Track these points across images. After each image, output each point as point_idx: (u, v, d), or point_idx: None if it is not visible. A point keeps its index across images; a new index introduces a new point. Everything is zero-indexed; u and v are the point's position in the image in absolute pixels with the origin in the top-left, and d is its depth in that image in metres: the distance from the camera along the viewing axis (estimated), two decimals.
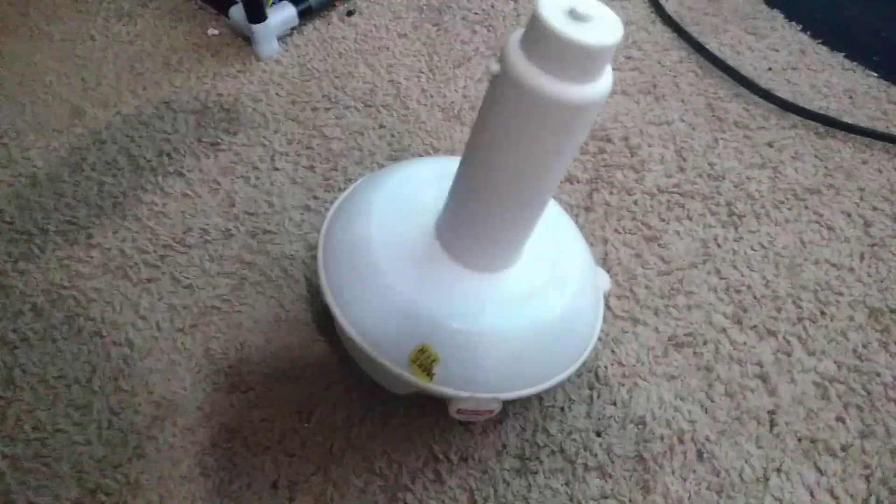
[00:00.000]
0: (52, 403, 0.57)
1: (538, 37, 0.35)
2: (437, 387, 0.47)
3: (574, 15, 0.35)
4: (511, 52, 0.37)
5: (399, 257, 0.49)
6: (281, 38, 0.88)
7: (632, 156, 0.72)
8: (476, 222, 0.47)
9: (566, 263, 0.52)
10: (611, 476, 0.51)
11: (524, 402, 0.55)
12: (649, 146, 0.73)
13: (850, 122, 0.73)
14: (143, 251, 0.66)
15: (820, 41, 0.84)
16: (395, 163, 0.60)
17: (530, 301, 0.49)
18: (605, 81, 0.37)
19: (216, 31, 0.91)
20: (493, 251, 0.48)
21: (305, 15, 0.89)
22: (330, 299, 0.51)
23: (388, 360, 0.48)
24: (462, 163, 0.45)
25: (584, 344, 0.51)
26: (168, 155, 0.75)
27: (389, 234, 0.51)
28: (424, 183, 0.52)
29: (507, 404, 0.55)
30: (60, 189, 0.72)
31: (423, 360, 0.48)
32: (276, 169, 0.73)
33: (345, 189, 0.70)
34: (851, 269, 0.62)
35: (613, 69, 0.79)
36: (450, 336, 0.47)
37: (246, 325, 0.61)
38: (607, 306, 0.60)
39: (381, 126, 0.77)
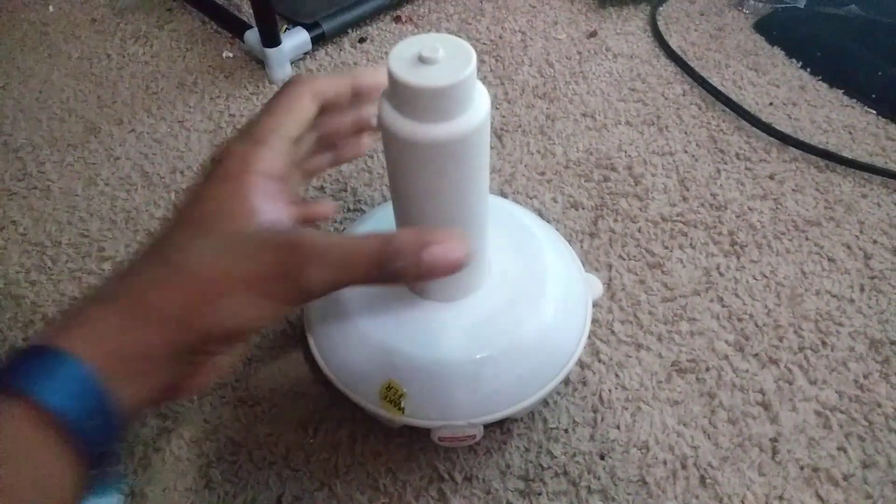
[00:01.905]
0: None
1: (391, 82, 0.38)
2: (409, 419, 0.49)
3: (421, 59, 0.37)
4: (381, 98, 0.40)
5: (365, 297, 0.52)
6: (294, 63, 0.90)
7: (636, 184, 0.73)
8: None
9: (538, 281, 0.52)
10: (614, 499, 0.52)
11: (528, 424, 0.55)
12: (653, 175, 0.74)
13: (849, 156, 0.75)
14: None
15: (819, 78, 0.86)
16: (382, 204, 0.62)
17: (493, 325, 0.50)
18: (466, 119, 0.38)
19: (231, 54, 0.93)
20: (442, 281, 0.49)
21: (318, 41, 0.91)
22: (312, 346, 0.54)
23: (361, 399, 0.51)
24: (392, 200, 0.46)
25: (564, 359, 0.51)
26: (181, 172, 0.76)
27: None
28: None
29: (510, 425, 0.55)
30: (74, 202, 0.74)
31: (392, 396, 0.49)
32: None
33: (353, 210, 0.71)
34: (852, 301, 0.63)
35: (618, 101, 0.80)
36: (414, 369, 0.49)
37: (253, 339, 0.61)
38: (611, 331, 0.61)
39: None
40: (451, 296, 0.51)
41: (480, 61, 0.90)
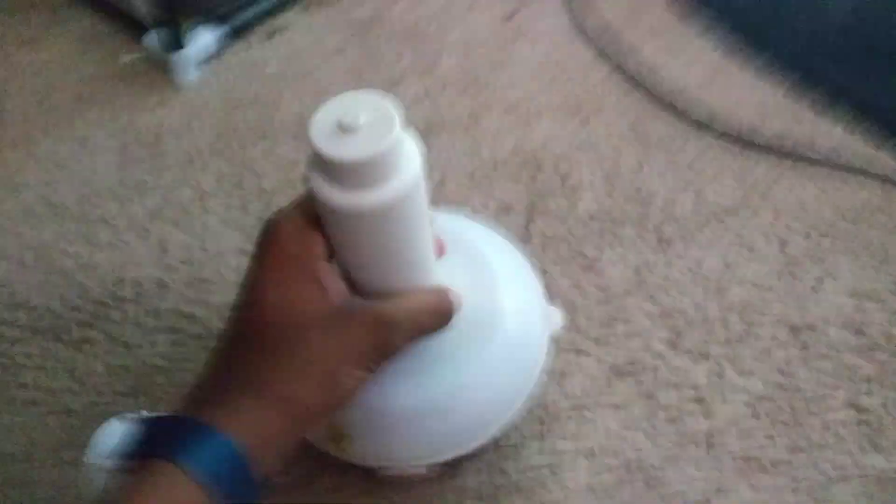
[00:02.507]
0: None
1: (313, 152, 0.37)
2: (353, 459, 0.50)
3: (341, 127, 0.36)
4: (308, 164, 0.39)
5: None
6: (199, 65, 0.85)
7: (563, 183, 0.74)
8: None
9: (489, 319, 0.52)
10: None
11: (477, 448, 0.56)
12: (578, 172, 0.75)
13: (762, 140, 0.78)
14: (73, 308, 0.64)
15: (733, 56, 0.88)
16: None
17: (440, 367, 0.49)
18: (394, 185, 0.38)
19: (129, 59, 0.87)
20: None
21: (225, 39, 0.86)
22: None
23: (312, 438, 0.51)
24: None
25: (513, 399, 0.51)
26: (89, 200, 0.72)
27: None
28: None
29: None
30: None
31: (335, 436, 0.50)
32: (207, 211, 0.71)
33: None
34: (771, 288, 0.66)
35: (540, 92, 0.80)
36: (356, 412, 0.48)
37: (191, 382, 0.59)
38: (552, 339, 0.62)
39: None
40: None
41: (397, 54, 0.88)
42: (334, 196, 0.38)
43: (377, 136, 0.36)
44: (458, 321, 0.52)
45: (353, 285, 0.48)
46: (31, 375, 0.60)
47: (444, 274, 0.50)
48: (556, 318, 0.57)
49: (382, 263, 0.43)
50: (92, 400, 0.58)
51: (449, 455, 0.50)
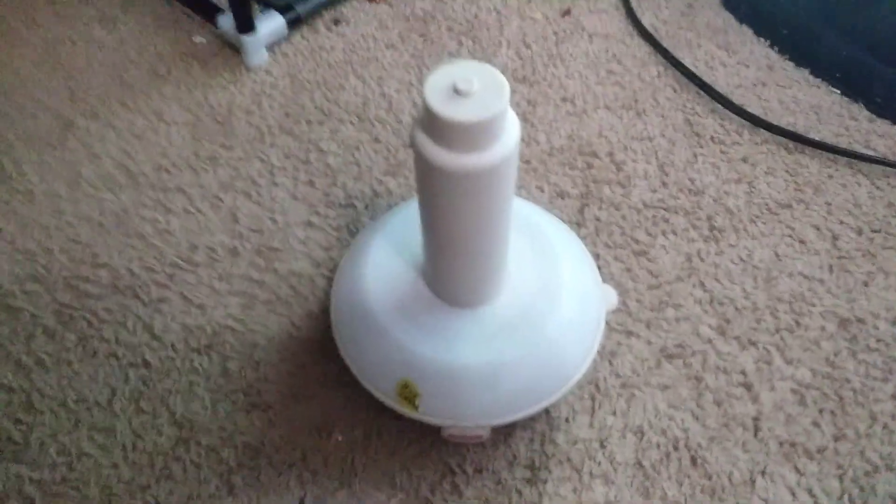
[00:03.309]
0: (75, 427, 0.58)
1: (426, 113, 0.40)
2: (421, 417, 0.53)
3: (456, 91, 0.39)
4: (415, 125, 0.42)
5: (388, 298, 0.55)
6: (269, 48, 0.89)
7: (618, 171, 0.76)
8: (440, 265, 0.52)
9: (553, 292, 0.55)
10: (614, 483, 0.56)
11: (533, 415, 0.59)
12: (633, 161, 0.77)
13: (816, 137, 0.79)
14: (151, 270, 0.68)
15: (787, 57, 0.89)
16: (398, 205, 0.64)
17: (508, 334, 0.53)
18: (497, 149, 0.40)
19: (203, 40, 0.91)
20: (462, 290, 0.53)
21: (294, 24, 0.90)
22: (338, 341, 0.57)
23: (380, 393, 0.54)
24: (420, 214, 0.49)
25: (573, 369, 0.54)
26: (166, 170, 0.76)
27: (382, 278, 0.56)
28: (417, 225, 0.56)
29: None
30: (59, 206, 0.72)
31: (407, 394, 0.52)
32: (276, 184, 0.75)
33: (344, 205, 0.72)
34: (822, 281, 0.68)
35: (596, 84, 0.82)
36: (429, 370, 0.52)
37: (260, 343, 0.63)
38: (605, 321, 0.64)
39: (377, 140, 0.79)
40: (470, 303, 0.53)
41: (459, 43, 0.90)
42: (442, 156, 0.40)
43: (490, 100, 0.39)
44: (527, 294, 0.54)
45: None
46: (112, 330, 0.64)
47: (513, 250, 0.53)
48: (611, 296, 0.60)
49: (471, 229, 0.45)
50: (168, 355, 0.62)
51: (510, 418, 0.52)
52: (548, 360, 0.53)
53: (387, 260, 0.57)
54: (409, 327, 0.53)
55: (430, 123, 0.40)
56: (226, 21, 0.86)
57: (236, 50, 0.88)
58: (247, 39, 0.85)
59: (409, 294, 0.55)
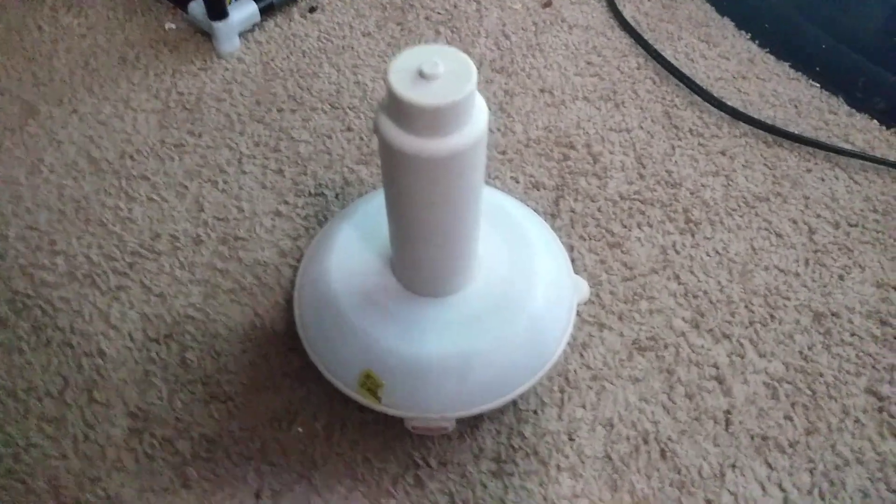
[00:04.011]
0: (24, 417, 0.56)
1: (390, 96, 0.38)
2: (385, 409, 0.51)
3: (422, 74, 0.38)
4: (379, 110, 0.41)
5: (352, 288, 0.53)
6: (242, 35, 0.87)
7: (594, 163, 0.75)
8: (406, 254, 0.50)
9: (524, 282, 0.53)
10: (581, 476, 0.54)
11: (500, 407, 0.57)
12: (611, 153, 0.76)
13: (796, 131, 0.78)
14: (110, 258, 0.66)
15: (767, 50, 0.88)
16: (368, 194, 0.62)
17: (476, 324, 0.51)
18: (464, 135, 0.39)
19: (173, 26, 0.89)
20: (429, 279, 0.51)
21: (267, 11, 0.88)
22: (301, 331, 0.56)
23: (342, 384, 0.52)
24: (386, 202, 0.47)
25: (541, 360, 0.53)
26: (131, 157, 0.74)
27: (347, 267, 0.55)
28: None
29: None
30: (18, 192, 0.70)
31: (370, 385, 0.51)
32: (244, 173, 0.73)
33: (314, 194, 0.71)
34: (797, 275, 0.66)
35: (575, 75, 0.81)
36: (393, 361, 0.50)
37: (222, 333, 0.61)
38: (577, 312, 0.63)
39: (349, 129, 0.77)
40: (438, 292, 0.51)
41: (436, 32, 0.89)
42: (406, 141, 0.39)
43: (456, 84, 0.38)
44: (497, 284, 0.53)
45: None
46: (68, 319, 0.62)
47: (485, 239, 0.52)
48: (583, 288, 0.58)
49: (437, 216, 0.44)
50: (125, 344, 0.60)
51: (476, 410, 0.51)
52: (516, 351, 0.51)
53: (353, 249, 0.55)
54: (373, 317, 0.52)
55: (394, 108, 0.38)
56: (197, 7, 0.85)
57: (208, 37, 0.86)
58: (218, 26, 0.83)
59: (374, 283, 0.53)
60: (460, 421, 0.56)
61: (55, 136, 0.75)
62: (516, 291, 0.53)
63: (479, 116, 0.40)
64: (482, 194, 0.46)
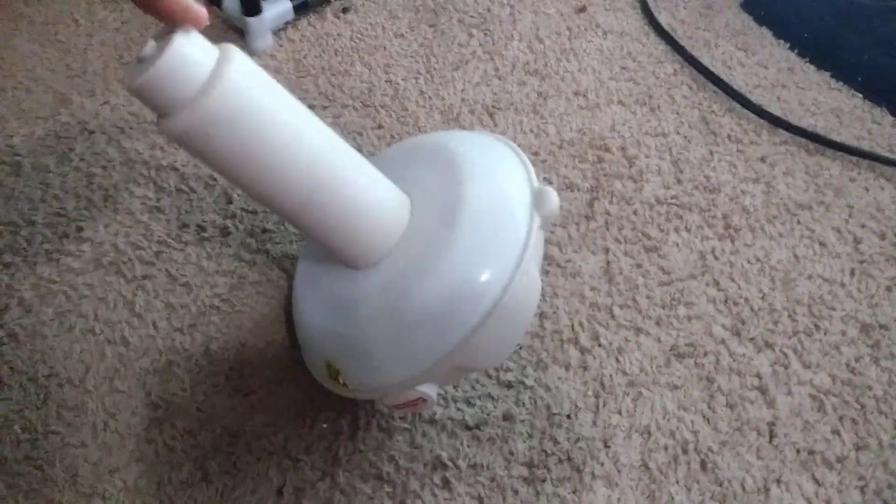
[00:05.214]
0: (43, 403, 0.55)
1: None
2: (355, 394, 0.48)
3: (140, 60, 0.39)
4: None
5: (309, 279, 0.52)
6: (275, 32, 0.86)
7: (630, 166, 0.73)
8: (300, 229, 0.48)
9: (448, 218, 0.46)
10: (617, 485, 0.52)
11: (531, 410, 0.55)
12: (646, 157, 0.74)
13: (837, 139, 0.75)
14: (137, 247, 0.64)
15: (807, 60, 0.86)
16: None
17: (400, 282, 0.45)
18: (185, 115, 0.38)
19: (207, 22, 0.88)
20: (333, 245, 0.47)
21: (301, 9, 0.88)
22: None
23: (320, 377, 0.50)
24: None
25: (484, 293, 0.44)
26: (161, 148, 0.73)
27: (312, 257, 0.53)
28: None
29: (513, 411, 0.55)
30: (47, 179, 0.70)
31: (333, 373, 0.48)
32: None
33: None
34: (843, 285, 0.64)
35: (610, 79, 0.79)
36: (340, 343, 0.47)
37: (247, 325, 0.60)
38: (611, 315, 0.61)
39: (380, 126, 0.76)
40: (362, 261, 0.48)
41: (469, 35, 0.88)
42: (167, 127, 0.39)
43: (157, 58, 0.37)
44: (424, 231, 0.47)
45: None
46: (92, 306, 0.60)
47: (414, 189, 0.49)
48: (548, 200, 0.47)
49: (267, 182, 0.43)
50: (148, 333, 0.59)
51: (433, 359, 0.44)
52: (454, 285, 0.44)
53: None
54: (318, 305, 0.50)
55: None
56: (232, 3, 0.84)
57: (241, 33, 0.86)
58: (251, 22, 0.82)
59: (323, 271, 0.51)
60: (491, 424, 0.54)
61: (86, 125, 0.75)
62: (439, 233, 0.46)
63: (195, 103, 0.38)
64: (330, 150, 0.45)
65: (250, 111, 0.40)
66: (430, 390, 0.45)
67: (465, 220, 0.45)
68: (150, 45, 0.38)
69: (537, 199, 0.47)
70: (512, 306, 0.43)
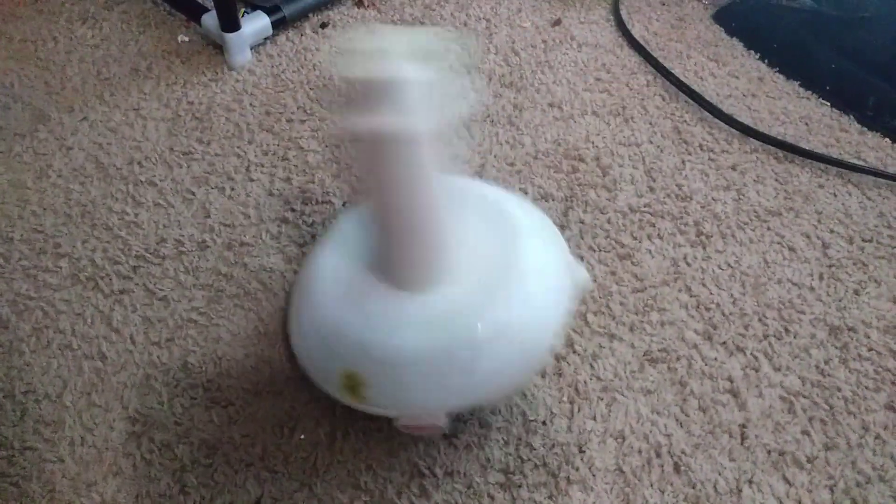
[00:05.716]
0: (20, 419, 0.55)
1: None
2: (367, 408, 0.49)
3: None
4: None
5: (333, 291, 0.52)
6: (253, 48, 0.87)
7: (604, 175, 0.74)
8: (380, 243, 0.50)
9: (509, 273, 0.50)
10: (592, 489, 0.53)
11: (507, 417, 0.56)
12: (620, 166, 0.75)
13: (806, 147, 0.77)
14: (114, 262, 0.65)
15: (776, 70, 0.88)
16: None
17: (457, 316, 0.48)
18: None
19: (186, 38, 0.89)
20: (402, 268, 0.49)
21: (279, 25, 0.89)
22: (291, 336, 0.55)
23: (326, 385, 0.51)
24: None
25: (531, 352, 0.49)
26: (139, 163, 0.73)
27: (333, 268, 0.53)
28: None
29: (489, 418, 0.56)
30: (25, 196, 0.70)
31: (351, 384, 0.49)
32: (252, 180, 0.72)
33: (321, 202, 0.70)
34: (812, 289, 0.65)
35: (584, 90, 0.81)
36: (373, 358, 0.48)
37: (224, 338, 0.60)
38: (585, 322, 0.62)
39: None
40: (415, 284, 0.49)
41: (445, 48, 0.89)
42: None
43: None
44: (481, 275, 0.50)
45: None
46: (69, 321, 0.61)
47: (469, 230, 0.50)
48: (581, 276, 0.54)
49: (394, 201, 0.46)
50: (126, 348, 0.59)
51: (464, 403, 0.48)
52: (501, 345, 0.48)
53: (343, 251, 0.54)
54: (353, 315, 0.50)
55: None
56: (210, 20, 0.85)
57: (220, 49, 0.87)
58: (230, 38, 0.83)
59: (355, 285, 0.51)
60: (467, 431, 0.55)
61: (64, 141, 0.75)
62: (498, 283, 0.49)
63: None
64: (446, 184, 0.47)
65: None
66: (443, 417, 0.49)
67: (522, 281, 0.50)
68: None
69: (574, 273, 0.53)
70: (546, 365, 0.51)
